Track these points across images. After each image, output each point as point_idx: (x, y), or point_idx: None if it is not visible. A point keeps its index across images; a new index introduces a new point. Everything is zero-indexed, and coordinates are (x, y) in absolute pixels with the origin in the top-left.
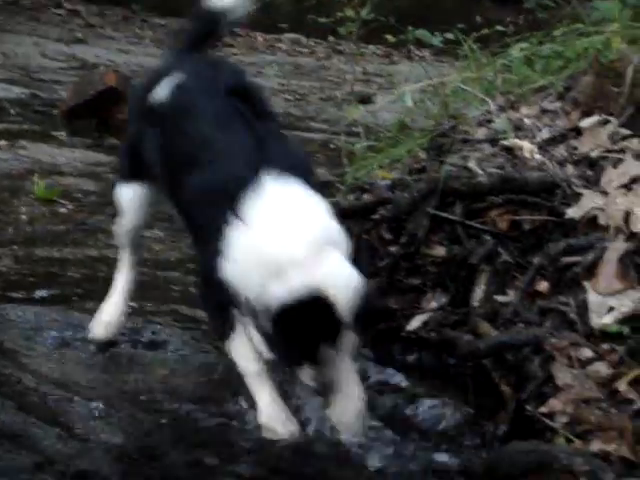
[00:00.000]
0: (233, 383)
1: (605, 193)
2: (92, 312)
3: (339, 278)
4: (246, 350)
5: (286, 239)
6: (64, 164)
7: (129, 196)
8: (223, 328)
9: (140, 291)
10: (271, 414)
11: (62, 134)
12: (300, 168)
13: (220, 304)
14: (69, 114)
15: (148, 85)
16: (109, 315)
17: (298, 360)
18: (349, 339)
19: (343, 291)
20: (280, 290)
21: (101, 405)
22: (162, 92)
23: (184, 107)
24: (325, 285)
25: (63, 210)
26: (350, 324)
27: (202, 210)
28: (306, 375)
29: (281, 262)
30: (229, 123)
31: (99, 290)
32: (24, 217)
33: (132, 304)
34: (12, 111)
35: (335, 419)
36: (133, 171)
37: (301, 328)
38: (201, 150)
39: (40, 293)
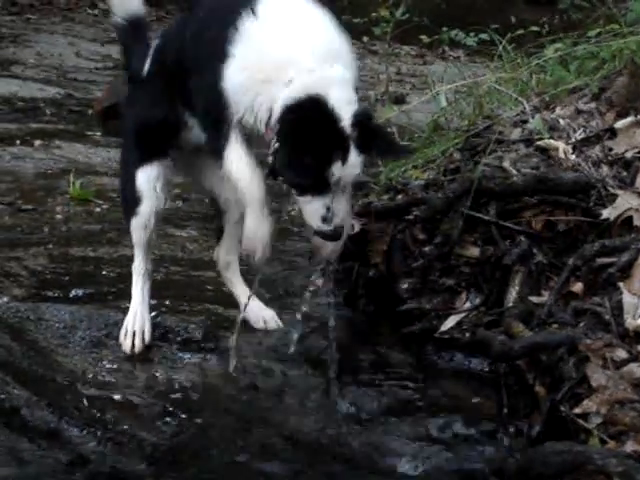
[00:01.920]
0: (266, 383)
1: None
2: (127, 311)
3: (338, 86)
4: (242, 159)
5: (295, 42)
6: (99, 164)
7: (149, 179)
8: (220, 141)
9: (174, 290)
10: (257, 226)
11: (97, 134)
12: None
13: (218, 119)
14: (104, 114)
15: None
16: (139, 326)
17: (307, 180)
18: (357, 160)
19: (341, 99)
20: (283, 96)
21: (135, 404)
22: None
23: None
24: (324, 90)
25: (98, 209)
26: (353, 138)
27: (215, 21)
28: (315, 209)
29: (287, 64)
30: None
31: None
32: (59, 216)
33: (166, 303)
34: (47, 111)
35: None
36: (150, 149)
37: (305, 133)
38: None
39: (75, 292)
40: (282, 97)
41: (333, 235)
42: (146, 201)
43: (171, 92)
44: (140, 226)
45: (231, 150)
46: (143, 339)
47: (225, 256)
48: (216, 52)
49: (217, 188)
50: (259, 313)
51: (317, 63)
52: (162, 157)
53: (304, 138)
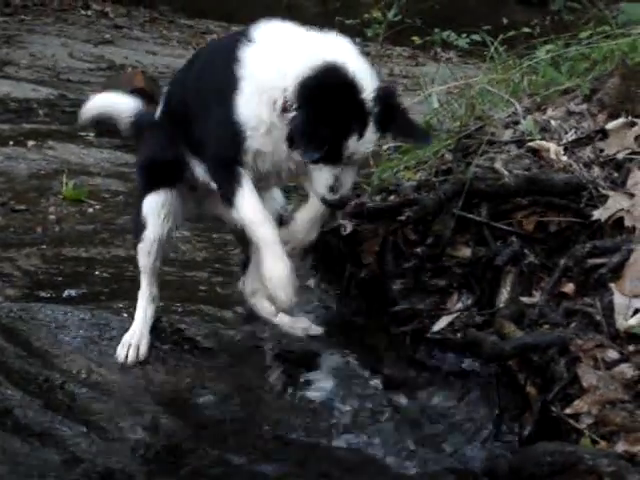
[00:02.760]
0: (259, 383)
1: (631, 195)
2: (119, 311)
3: (359, 60)
4: (255, 201)
5: (302, 37)
6: (92, 164)
7: (153, 205)
8: (232, 185)
9: (168, 291)
10: (274, 269)
11: (90, 135)
12: None
13: (228, 162)
14: None
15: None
16: (135, 343)
17: (320, 145)
18: (372, 137)
19: (364, 71)
20: (301, 66)
21: (127, 403)
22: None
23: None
24: (346, 62)
25: (91, 210)
26: (374, 113)
27: (214, 71)
28: (323, 179)
29: (300, 46)
30: None
31: (126, 289)
32: (52, 217)
33: (160, 304)
34: (40, 112)
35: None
36: (157, 178)
37: (327, 101)
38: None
39: (68, 292)
40: (300, 67)
41: (338, 204)
42: (150, 227)
43: (175, 135)
44: (144, 252)
45: (243, 196)
46: (138, 354)
47: (251, 284)
48: (223, 88)
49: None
50: (296, 325)
51: (336, 47)
52: (168, 187)
53: (324, 105)
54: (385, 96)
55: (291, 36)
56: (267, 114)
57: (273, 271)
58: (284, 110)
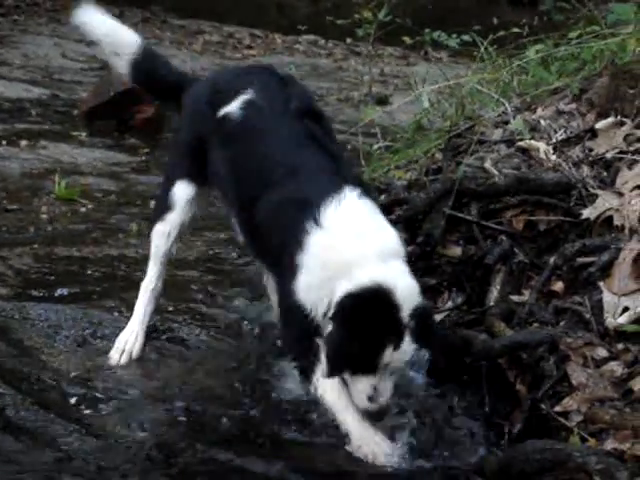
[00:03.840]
0: (249, 381)
1: (620, 194)
2: (112, 310)
3: (402, 278)
4: (334, 383)
5: (357, 244)
6: (84, 164)
7: (185, 193)
8: (309, 363)
9: None
10: (363, 436)
11: (82, 134)
12: (365, 187)
13: (302, 337)
14: (89, 114)
15: (213, 96)
16: (131, 344)
17: (358, 361)
18: (408, 348)
19: (405, 290)
20: (346, 284)
21: (119, 402)
22: (232, 107)
23: (257, 125)
24: (388, 280)
25: (83, 209)
26: (410, 328)
27: (280, 226)
28: (361, 389)
29: (351, 262)
30: (304, 144)
31: (118, 288)
32: (44, 216)
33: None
34: (33, 112)
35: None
36: (192, 172)
37: (363, 320)
38: (278, 169)
39: (60, 291)
40: (343, 286)
41: (377, 414)
42: (178, 210)
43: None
44: (163, 233)
45: (324, 380)
46: (131, 355)
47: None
48: (284, 258)
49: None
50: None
51: (379, 260)
52: (202, 184)
53: (360, 324)
54: (422, 313)
55: (353, 235)
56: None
57: (363, 440)
58: (324, 316)
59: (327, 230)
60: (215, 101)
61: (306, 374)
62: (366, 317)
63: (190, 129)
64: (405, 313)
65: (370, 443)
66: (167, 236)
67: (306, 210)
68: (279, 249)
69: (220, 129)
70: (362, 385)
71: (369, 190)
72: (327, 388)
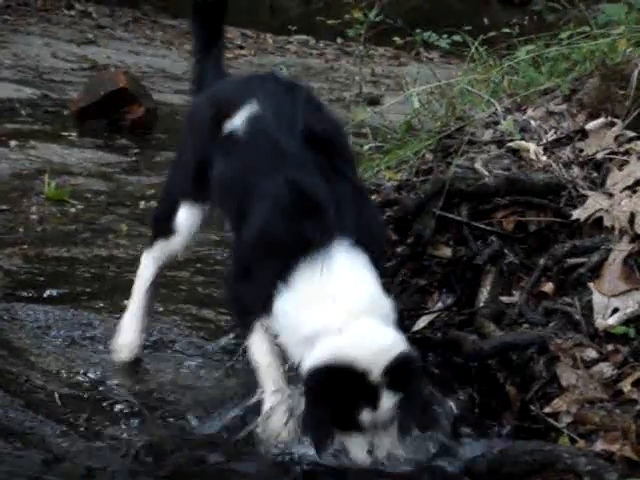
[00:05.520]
0: (238, 382)
1: (610, 195)
2: (101, 311)
3: (371, 339)
4: (262, 345)
5: (323, 310)
6: (74, 164)
7: (189, 215)
8: (246, 329)
9: None
10: (275, 414)
11: (72, 134)
12: (367, 236)
13: (246, 311)
14: (80, 115)
15: (217, 109)
16: (130, 337)
17: (341, 429)
18: (389, 404)
19: (375, 351)
20: (309, 359)
21: (109, 403)
22: (237, 122)
23: (260, 144)
24: (353, 349)
25: (73, 210)
26: (387, 383)
27: (258, 257)
28: (357, 447)
29: (315, 332)
30: (307, 175)
31: (108, 289)
32: (34, 217)
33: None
34: (23, 111)
35: None
36: (196, 192)
37: (331, 395)
38: (275, 195)
39: (49, 292)
40: (307, 362)
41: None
42: (181, 234)
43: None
44: (157, 259)
45: (255, 337)
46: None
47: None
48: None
49: None
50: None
51: (348, 322)
52: (204, 202)
53: (329, 399)
54: (397, 366)
55: (321, 298)
56: None
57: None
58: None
59: (295, 293)
60: (219, 117)
61: (244, 331)
62: (334, 391)
63: (194, 147)
64: (375, 375)
65: (276, 421)
66: (162, 261)
67: (278, 261)
68: (254, 275)
69: (224, 146)
70: (357, 443)
71: (371, 235)
72: (256, 348)
